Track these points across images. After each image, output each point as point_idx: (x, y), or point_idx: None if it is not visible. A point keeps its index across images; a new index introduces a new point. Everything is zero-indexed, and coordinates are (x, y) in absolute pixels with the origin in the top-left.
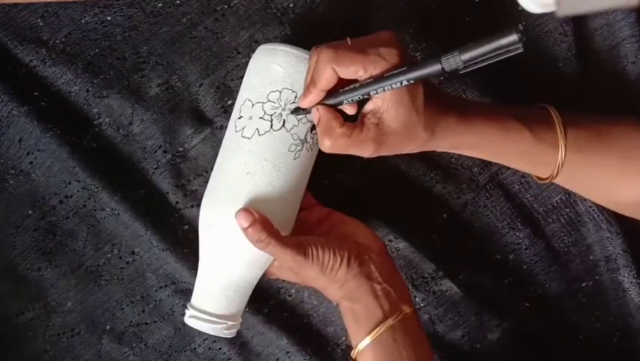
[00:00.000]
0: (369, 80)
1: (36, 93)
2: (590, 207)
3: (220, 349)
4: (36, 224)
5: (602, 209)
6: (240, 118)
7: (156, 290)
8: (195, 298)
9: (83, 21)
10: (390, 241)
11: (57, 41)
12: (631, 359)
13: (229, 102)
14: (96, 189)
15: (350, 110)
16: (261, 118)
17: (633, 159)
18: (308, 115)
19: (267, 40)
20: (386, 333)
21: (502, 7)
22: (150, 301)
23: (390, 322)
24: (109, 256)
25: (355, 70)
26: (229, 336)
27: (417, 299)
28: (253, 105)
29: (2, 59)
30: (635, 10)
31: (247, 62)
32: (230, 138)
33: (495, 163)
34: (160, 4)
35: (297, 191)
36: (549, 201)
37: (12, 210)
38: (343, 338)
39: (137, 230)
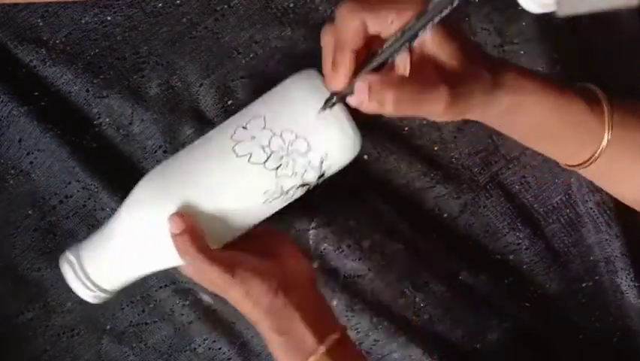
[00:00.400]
0: (411, 23)
1: (36, 93)
2: (591, 208)
3: (220, 349)
4: (36, 224)
5: (602, 211)
6: (244, 129)
7: (156, 290)
8: (83, 253)
9: (83, 21)
10: (390, 241)
11: (57, 41)
12: (631, 360)
13: (229, 102)
14: (96, 189)
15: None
16: (261, 147)
17: None
18: (303, 175)
19: (267, 41)
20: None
21: (502, 7)
22: (150, 301)
23: (322, 349)
24: None
25: (386, 16)
26: (90, 301)
27: (417, 299)
28: (264, 128)
29: (2, 59)
30: (637, 10)
31: (247, 63)
32: (220, 140)
33: (495, 163)
34: (160, 4)
35: (248, 227)
36: (549, 202)
37: (12, 210)
38: None
39: None
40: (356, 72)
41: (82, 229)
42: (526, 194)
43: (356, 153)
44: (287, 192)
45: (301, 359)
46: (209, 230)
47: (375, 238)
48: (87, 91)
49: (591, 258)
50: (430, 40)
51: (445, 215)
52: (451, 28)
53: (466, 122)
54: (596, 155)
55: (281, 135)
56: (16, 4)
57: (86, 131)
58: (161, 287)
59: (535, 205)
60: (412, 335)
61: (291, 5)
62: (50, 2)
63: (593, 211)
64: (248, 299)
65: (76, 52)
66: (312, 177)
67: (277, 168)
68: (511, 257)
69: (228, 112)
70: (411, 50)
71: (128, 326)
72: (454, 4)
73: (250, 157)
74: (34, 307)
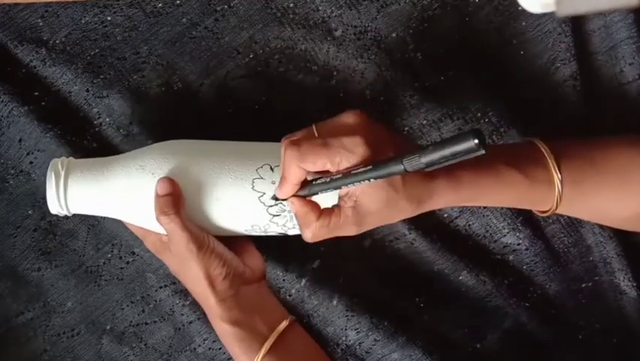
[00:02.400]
0: (337, 175)
1: (36, 93)
2: None
3: (220, 349)
4: (36, 224)
5: None
6: (270, 169)
7: (156, 290)
8: (73, 173)
9: (83, 21)
10: (390, 241)
11: (57, 41)
12: (631, 360)
13: (229, 102)
14: None
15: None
16: (274, 194)
17: (629, 181)
18: (289, 230)
19: (267, 41)
20: (277, 345)
21: (502, 7)
22: (150, 301)
23: (274, 336)
24: (109, 256)
25: (322, 164)
26: (51, 212)
27: (417, 300)
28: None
29: (2, 59)
30: (633, 12)
31: (247, 63)
32: (248, 166)
33: None
34: (160, 4)
35: (218, 233)
36: None
37: (12, 210)
38: (343, 338)
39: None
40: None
41: (82, 228)
42: None
43: None
44: (267, 232)
45: (254, 347)
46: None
47: (375, 239)
48: (87, 91)
49: (591, 258)
50: (354, 190)
51: (445, 215)
52: (373, 187)
53: (466, 122)
54: (553, 207)
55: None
56: (16, 4)
57: (86, 131)
58: (161, 287)
59: None
60: (412, 335)
61: (291, 5)
62: (50, 2)
63: None
64: (205, 279)
65: (76, 52)
66: (292, 233)
67: (275, 215)
68: (511, 257)
69: (229, 112)
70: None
71: (128, 326)
72: (371, 181)
73: (261, 196)
74: (34, 307)
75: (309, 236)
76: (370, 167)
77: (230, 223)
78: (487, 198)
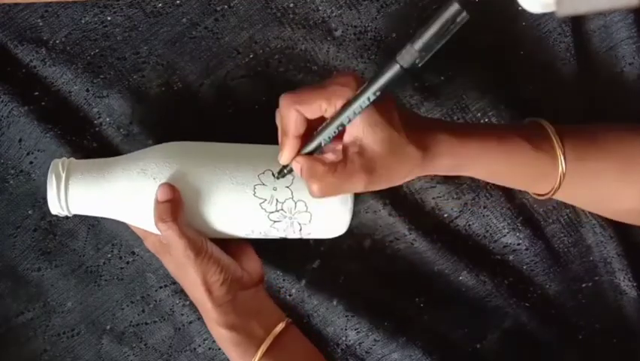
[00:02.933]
0: (336, 113)
1: (36, 93)
2: (585, 211)
3: (220, 349)
4: (36, 224)
5: (595, 214)
6: (273, 176)
7: (156, 290)
8: (74, 175)
9: (83, 21)
10: (390, 242)
11: (57, 41)
12: (631, 360)
13: (229, 102)
14: None
15: (332, 156)
16: (276, 201)
17: (631, 166)
18: (288, 235)
19: (267, 41)
20: (273, 347)
21: (502, 7)
22: (150, 301)
23: (270, 339)
24: (109, 256)
25: (318, 105)
26: (52, 212)
27: (417, 300)
28: (288, 186)
29: (2, 59)
30: (633, 12)
31: (247, 63)
32: (249, 171)
33: None
34: (160, 4)
35: (218, 237)
36: (549, 202)
37: (12, 210)
38: (343, 338)
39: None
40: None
41: (82, 228)
42: (526, 194)
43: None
44: (267, 235)
45: (250, 351)
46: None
47: (375, 239)
48: (87, 91)
49: (591, 258)
50: (358, 125)
51: (445, 215)
52: (382, 113)
53: (467, 122)
54: (556, 186)
55: (296, 203)
56: (16, 4)
57: (86, 130)
58: (161, 287)
59: (535, 206)
60: (412, 335)
61: (291, 5)
62: (50, 2)
63: (588, 214)
64: (202, 285)
65: (76, 52)
66: (292, 237)
67: (275, 221)
68: (511, 257)
69: (229, 112)
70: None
71: (128, 325)
72: (371, 100)
73: (262, 202)
74: (34, 307)
75: (316, 188)
76: (366, 83)
77: (230, 228)
78: (492, 162)
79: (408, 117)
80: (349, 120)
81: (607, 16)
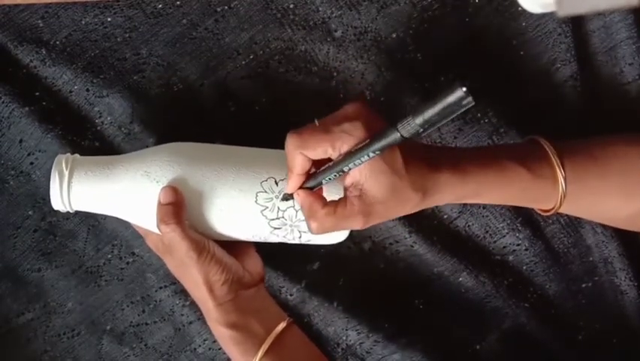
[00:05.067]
0: (339, 159)
1: (37, 93)
2: None
3: (220, 349)
4: (36, 225)
5: None
6: (275, 183)
7: (156, 291)
8: (77, 173)
9: (83, 22)
10: (390, 244)
11: (57, 42)
12: (630, 360)
13: (230, 103)
14: None
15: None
16: (277, 208)
17: (632, 179)
18: (288, 241)
19: (267, 42)
20: (274, 346)
21: (502, 7)
22: (150, 302)
23: (271, 338)
24: (109, 256)
25: (323, 150)
26: (54, 208)
27: (417, 302)
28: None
29: (3, 60)
30: (633, 12)
31: (247, 63)
32: (252, 178)
33: None
34: (160, 5)
35: (220, 239)
36: None
37: (12, 211)
38: (344, 338)
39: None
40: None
41: (82, 229)
42: None
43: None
44: (267, 240)
45: (251, 350)
46: (189, 221)
47: (375, 241)
48: (87, 90)
49: (590, 259)
50: (360, 171)
51: (445, 216)
52: (385, 159)
53: (466, 122)
54: (557, 206)
55: (297, 211)
56: (16, 5)
57: (87, 130)
58: (161, 288)
59: None
60: (412, 337)
61: (292, 6)
62: (51, 3)
63: None
64: (205, 285)
65: (76, 52)
66: (291, 242)
67: (276, 228)
68: (510, 258)
69: (229, 113)
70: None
71: (129, 326)
72: (370, 157)
73: (264, 210)
74: (34, 308)
75: (314, 227)
76: (367, 141)
77: (231, 232)
78: (491, 193)
79: (411, 158)
80: (349, 169)
81: (607, 17)
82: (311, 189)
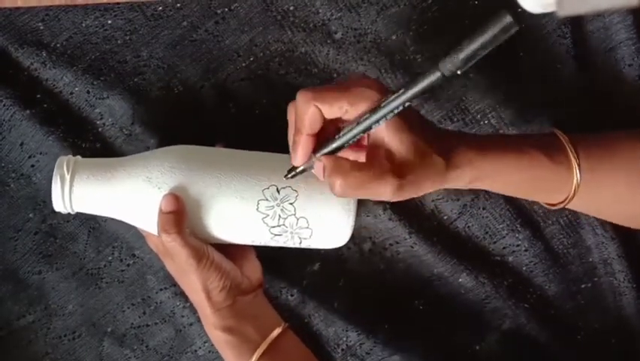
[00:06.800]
0: (365, 117)
1: (38, 96)
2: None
3: None
4: (37, 227)
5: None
6: (277, 191)
7: (157, 292)
8: (78, 176)
9: (83, 25)
10: (390, 245)
11: (58, 45)
12: None
13: (230, 105)
14: None
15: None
16: (279, 216)
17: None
18: (287, 246)
19: (267, 44)
20: (269, 352)
21: (502, 7)
22: (151, 303)
23: (266, 343)
24: (110, 258)
25: (340, 106)
26: (55, 210)
27: (417, 302)
28: (292, 203)
29: (3, 63)
30: (632, 13)
31: (247, 65)
32: (253, 185)
33: None
34: (160, 8)
35: (220, 242)
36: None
37: (13, 213)
38: (344, 339)
39: (138, 232)
40: (316, 149)
41: (82, 231)
42: None
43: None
44: (267, 245)
45: (246, 354)
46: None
47: (375, 242)
48: (88, 92)
49: (590, 259)
50: (383, 130)
51: (445, 217)
52: (405, 120)
53: (466, 124)
54: (570, 195)
55: (298, 219)
56: (17, 8)
57: (88, 132)
58: (161, 289)
59: (534, 207)
60: (412, 338)
61: (292, 8)
62: (51, 6)
63: (588, 216)
64: (203, 291)
65: (77, 55)
66: (290, 246)
67: (276, 235)
68: (510, 258)
69: (229, 115)
70: (367, 134)
71: (129, 328)
72: (405, 105)
73: (265, 217)
74: (35, 310)
75: (339, 184)
76: (402, 89)
77: (231, 237)
78: (509, 175)
79: (429, 127)
80: (378, 125)
81: (606, 18)
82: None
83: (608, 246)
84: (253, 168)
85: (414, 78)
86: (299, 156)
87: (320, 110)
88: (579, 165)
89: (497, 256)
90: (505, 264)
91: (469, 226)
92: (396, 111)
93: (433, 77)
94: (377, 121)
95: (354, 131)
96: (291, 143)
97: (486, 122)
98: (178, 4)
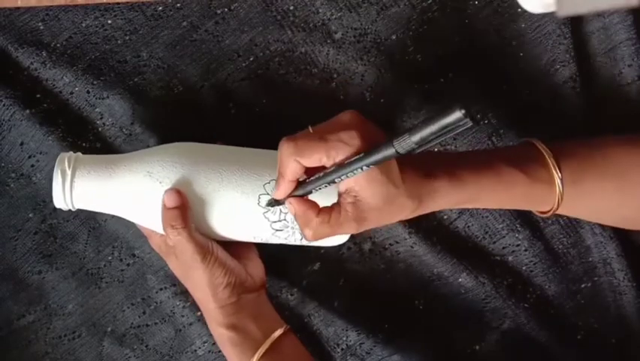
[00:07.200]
0: (332, 168)
1: (38, 96)
2: None
3: (220, 351)
4: (37, 227)
5: None
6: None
7: (157, 292)
8: (79, 173)
9: (83, 24)
10: (390, 245)
11: (58, 45)
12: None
13: (230, 104)
14: None
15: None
16: (280, 211)
17: (629, 180)
18: (288, 242)
19: (267, 44)
20: (270, 351)
21: (502, 8)
22: (151, 303)
23: (268, 343)
24: (109, 258)
25: (318, 158)
26: (56, 206)
27: (416, 302)
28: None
29: (3, 63)
30: (632, 13)
31: (247, 65)
32: (255, 180)
33: None
34: (160, 8)
35: (222, 239)
36: None
37: (13, 213)
38: (344, 338)
39: (138, 231)
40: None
41: (82, 231)
42: None
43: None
44: (268, 241)
45: (248, 352)
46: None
47: (375, 242)
48: (88, 92)
49: (590, 259)
50: (354, 179)
51: (445, 217)
52: (382, 170)
53: None
54: (554, 207)
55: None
56: (17, 8)
57: (88, 131)
58: (161, 289)
59: None
60: (412, 337)
61: (291, 8)
62: (51, 6)
63: None
64: (208, 287)
65: (76, 55)
66: (293, 244)
67: (278, 230)
68: (510, 258)
69: (229, 115)
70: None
71: (129, 327)
72: (362, 170)
73: (266, 212)
74: (35, 310)
75: (309, 234)
76: (362, 154)
77: (233, 233)
78: (488, 198)
79: (406, 168)
80: (341, 180)
81: (606, 18)
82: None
83: (608, 245)
84: (254, 162)
85: (370, 150)
86: (279, 195)
87: (300, 163)
88: (562, 180)
89: (497, 256)
90: (504, 264)
91: (468, 226)
92: (355, 173)
93: (387, 152)
94: (339, 178)
95: (320, 182)
96: (277, 182)
97: (486, 121)
98: (178, 4)
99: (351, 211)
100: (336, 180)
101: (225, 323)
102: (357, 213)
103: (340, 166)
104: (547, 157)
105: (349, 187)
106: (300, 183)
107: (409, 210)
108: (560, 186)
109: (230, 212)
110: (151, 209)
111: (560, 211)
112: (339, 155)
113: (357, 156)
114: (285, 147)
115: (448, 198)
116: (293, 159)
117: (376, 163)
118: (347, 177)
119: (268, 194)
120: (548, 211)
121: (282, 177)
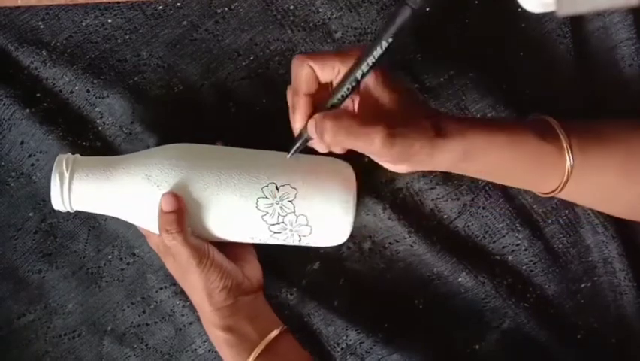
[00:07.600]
0: (351, 68)
1: (38, 95)
2: (586, 211)
3: None
4: (37, 226)
5: (597, 214)
6: (276, 188)
7: (157, 291)
8: (77, 176)
9: (83, 24)
10: (390, 244)
11: (58, 44)
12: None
13: (230, 104)
14: None
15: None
16: (278, 214)
17: (635, 162)
18: (286, 243)
19: (267, 43)
20: (266, 352)
21: (502, 7)
22: (151, 302)
23: (263, 344)
24: (109, 257)
25: (331, 66)
26: (54, 207)
27: (416, 302)
28: (291, 200)
29: (3, 62)
30: (632, 13)
31: (247, 65)
32: (253, 183)
33: None
34: (160, 7)
35: (220, 241)
36: (548, 202)
37: (13, 212)
38: (344, 338)
39: (138, 230)
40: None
41: (82, 230)
42: (525, 195)
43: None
44: (266, 242)
45: (244, 353)
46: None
47: (375, 241)
48: (88, 91)
49: (590, 259)
50: (374, 87)
51: (445, 216)
52: (394, 81)
53: None
54: (563, 181)
55: (298, 217)
56: (17, 7)
57: (88, 130)
58: (161, 288)
59: (534, 206)
60: (412, 337)
61: (292, 8)
62: (51, 5)
63: (589, 215)
64: (204, 290)
65: (77, 54)
66: (290, 244)
67: (276, 232)
68: (510, 258)
69: (229, 114)
70: (359, 91)
71: (129, 327)
72: (383, 48)
73: (264, 215)
74: (35, 309)
75: (330, 126)
76: (378, 33)
77: (231, 235)
78: (497, 154)
79: (418, 95)
80: (363, 74)
81: (606, 17)
82: None
83: (609, 245)
84: (252, 165)
85: (386, 22)
86: (298, 117)
87: (314, 71)
88: (571, 148)
89: (497, 256)
90: (504, 263)
91: (468, 225)
92: (377, 55)
93: (403, 14)
94: (361, 70)
95: (343, 87)
96: (290, 115)
97: None
98: (178, 3)
99: (377, 112)
100: (357, 78)
101: (221, 325)
102: (382, 118)
103: (359, 59)
104: (556, 127)
105: (368, 95)
106: (315, 110)
107: (428, 135)
108: (570, 153)
109: (229, 215)
110: (149, 212)
111: (565, 191)
112: (353, 58)
113: (375, 39)
114: (298, 57)
115: (461, 137)
116: (306, 64)
117: (397, 31)
118: (369, 66)
119: (266, 197)
120: (556, 189)
121: (297, 93)
